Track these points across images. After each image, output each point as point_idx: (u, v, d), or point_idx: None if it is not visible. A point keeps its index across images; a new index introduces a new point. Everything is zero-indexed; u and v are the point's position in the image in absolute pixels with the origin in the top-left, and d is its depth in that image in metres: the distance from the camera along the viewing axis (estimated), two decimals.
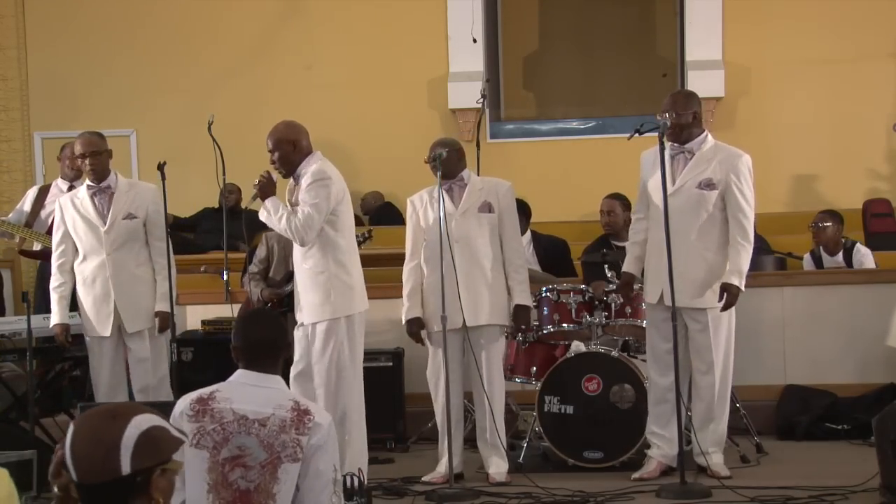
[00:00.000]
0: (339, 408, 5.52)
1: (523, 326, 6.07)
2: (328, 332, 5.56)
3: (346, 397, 5.57)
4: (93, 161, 6.11)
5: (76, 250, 6.21)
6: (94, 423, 2.46)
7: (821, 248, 8.09)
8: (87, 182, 6.24)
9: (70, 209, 6.22)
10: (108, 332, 6.11)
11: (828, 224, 8.00)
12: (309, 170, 5.60)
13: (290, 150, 5.61)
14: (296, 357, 5.69)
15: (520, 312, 6.03)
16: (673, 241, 5.63)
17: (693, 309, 5.80)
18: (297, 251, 5.67)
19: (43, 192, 7.42)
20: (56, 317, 6.19)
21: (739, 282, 5.73)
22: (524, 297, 6.02)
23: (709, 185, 5.77)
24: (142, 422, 2.47)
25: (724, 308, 5.76)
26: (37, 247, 7.42)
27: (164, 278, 6.13)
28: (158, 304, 6.14)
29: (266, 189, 5.61)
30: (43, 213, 7.33)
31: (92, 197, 6.18)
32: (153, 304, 6.13)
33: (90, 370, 6.27)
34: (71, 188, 7.25)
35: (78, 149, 6.18)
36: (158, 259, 6.18)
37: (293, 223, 5.50)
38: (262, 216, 5.64)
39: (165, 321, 6.12)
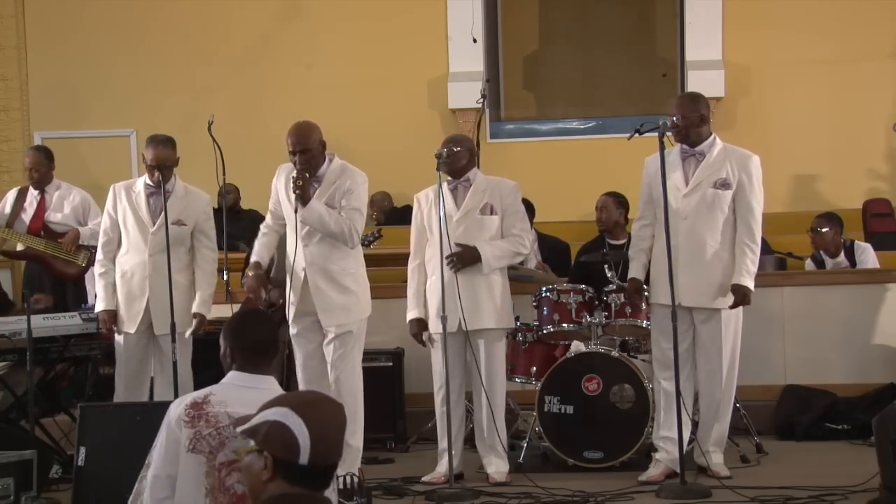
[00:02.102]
0: (358, 407, 5.56)
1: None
2: (357, 333, 5.63)
3: (359, 395, 5.63)
4: (166, 173, 6.03)
5: (120, 240, 6.19)
6: (330, 411, 2.62)
7: (821, 252, 8.07)
8: (146, 180, 6.18)
9: (124, 199, 6.19)
10: (132, 330, 6.11)
11: (825, 229, 7.96)
12: (339, 169, 5.60)
13: (320, 150, 5.59)
14: (301, 360, 5.68)
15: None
16: (688, 241, 5.63)
17: (708, 309, 5.78)
18: (319, 251, 5.62)
19: (22, 193, 7.42)
20: (102, 302, 6.15)
21: (750, 282, 5.73)
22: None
23: (724, 184, 5.75)
24: None
25: (735, 306, 5.74)
26: (20, 247, 7.40)
27: (210, 284, 6.22)
28: (199, 307, 6.14)
29: (308, 191, 5.53)
30: (24, 215, 7.34)
31: (148, 196, 6.15)
32: (186, 309, 6.09)
33: (116, 365, 6.25)
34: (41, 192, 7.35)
35: (153, 159, 6.05)
36: (204, 265, 6.22)
37: (345, 226, 5.49)
38: (310, 218, 5.54)
39: (202, 324, 6.16)
